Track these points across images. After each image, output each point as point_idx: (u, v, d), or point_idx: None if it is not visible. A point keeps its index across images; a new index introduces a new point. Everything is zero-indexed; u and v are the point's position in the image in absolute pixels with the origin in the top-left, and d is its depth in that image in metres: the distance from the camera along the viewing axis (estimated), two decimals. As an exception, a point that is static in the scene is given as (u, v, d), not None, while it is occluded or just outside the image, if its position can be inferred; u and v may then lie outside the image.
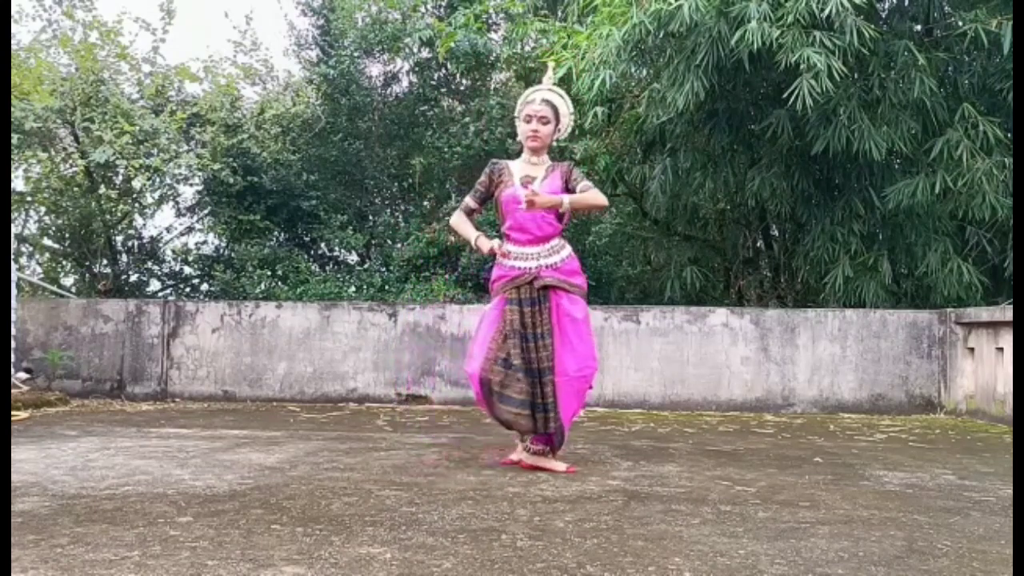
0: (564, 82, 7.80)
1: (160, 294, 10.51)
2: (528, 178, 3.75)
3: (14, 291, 6.47)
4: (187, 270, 10.78)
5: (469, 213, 3.94)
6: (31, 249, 10.66)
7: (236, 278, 8.97)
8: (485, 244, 3.77)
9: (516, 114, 3.91)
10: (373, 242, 10.10)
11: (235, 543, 2.41)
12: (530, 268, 3.71)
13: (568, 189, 3.77)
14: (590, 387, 3.83)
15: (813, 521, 2.82)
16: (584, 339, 3.72)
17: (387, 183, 10.68)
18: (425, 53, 9.89)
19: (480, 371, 3.66)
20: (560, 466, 3.72)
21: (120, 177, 9.90)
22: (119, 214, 10.28)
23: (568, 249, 3.82)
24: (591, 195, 3.74)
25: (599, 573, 2.17)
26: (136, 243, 10.53)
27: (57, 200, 10.12)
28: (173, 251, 10.80)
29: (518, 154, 3.98)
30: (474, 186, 3.93)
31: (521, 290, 3.69)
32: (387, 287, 8.69)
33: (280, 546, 2.38)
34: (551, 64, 4.65)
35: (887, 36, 7.08)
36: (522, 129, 3.81)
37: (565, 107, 3.86)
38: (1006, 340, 5.96)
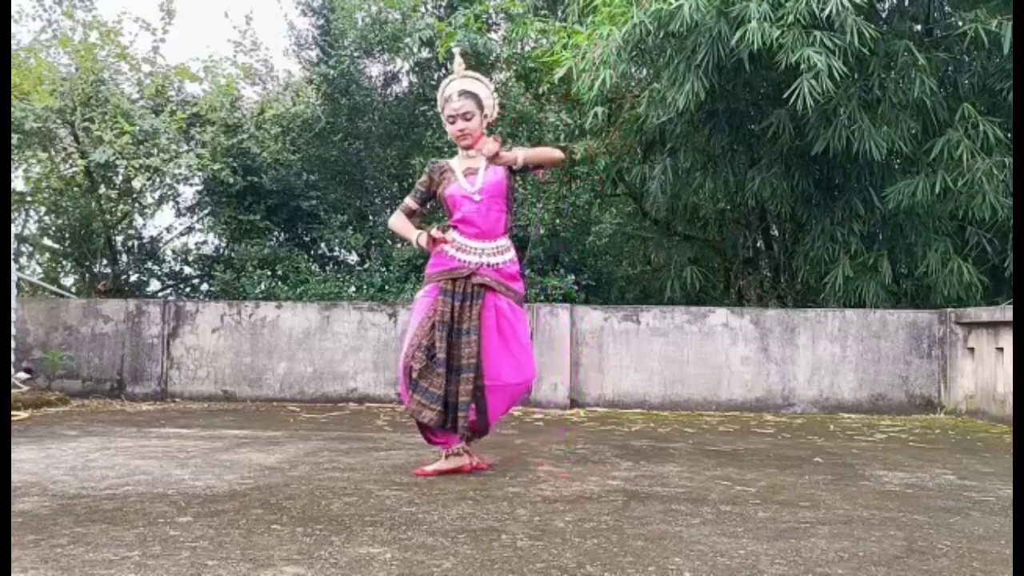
0: (564, 82, 7.82)
1: (160, 294, 10.51)
2: (470, 170, 3.67)
3: (14, 291, 6.47)
4: (187, 270, 10.78)
5: (410, 214, 3.83)
6: (31, 249, 10.67)
7: (236, 278, 8.97)
8: (425, 239, 3.64)
9: (440, 111, 3.79)
10: (373, 242, 10.10)
11: (235, 543, 2.40)
12: (470, 262, 3.59)
13: (514, 171, 3.68)
14: (528, 392, 3.79)
15: (813, 521, 2.82)
16: (524, 347, 3.64)
17: (387, 183, 10.67)
18: (425, 53, 9.89)
19: (404, 359, 3.56)
20: (472, 460, 3.67)
21: (120, 177, 9.91)
22: (119, 214, 10.28)
23: (512, 253, 3.70)
24: (543, 149, 3.72)
25: (599, 573, 2.17)
26: (136, 243, 10.54)
27: (57, 200, 10.13)
28: (173, 251, 10.80)
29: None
30: (414, 187, 3.85)
31: (456, 283, 3.57)
32: (387, 287, 8.68)
33: (280, 546, 2.38)
34: (456, 49, 4.57)
35: (887, 36, 7.08)
36: (450, 131, 3.72)
37: (485, 89, 3.74)
38: (1006, 340, 5.96)
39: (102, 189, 9.92)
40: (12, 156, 8.75)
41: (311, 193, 9.76)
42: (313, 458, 4.01)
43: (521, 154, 3.64)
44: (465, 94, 3.67)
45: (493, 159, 3.57)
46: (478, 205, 3.61)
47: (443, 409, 3.52)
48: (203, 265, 10.48)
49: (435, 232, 3.62)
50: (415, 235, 3.72)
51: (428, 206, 3.91)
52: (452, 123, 3.68)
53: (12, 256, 6.76)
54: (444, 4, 10.34)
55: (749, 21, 6.26)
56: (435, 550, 2.36)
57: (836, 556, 2.38)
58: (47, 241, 10.68)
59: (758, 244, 9.39)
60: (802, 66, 6.25)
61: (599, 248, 9.96)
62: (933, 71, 6.88)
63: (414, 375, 3.52)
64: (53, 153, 9.91)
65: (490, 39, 9.40)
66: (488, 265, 3.60)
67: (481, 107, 3.69)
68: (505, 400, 3.64)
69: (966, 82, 7.41)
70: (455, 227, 3.67)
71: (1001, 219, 6.94)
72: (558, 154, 3.80)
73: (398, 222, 3.87)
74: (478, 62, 9.22)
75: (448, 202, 3.70)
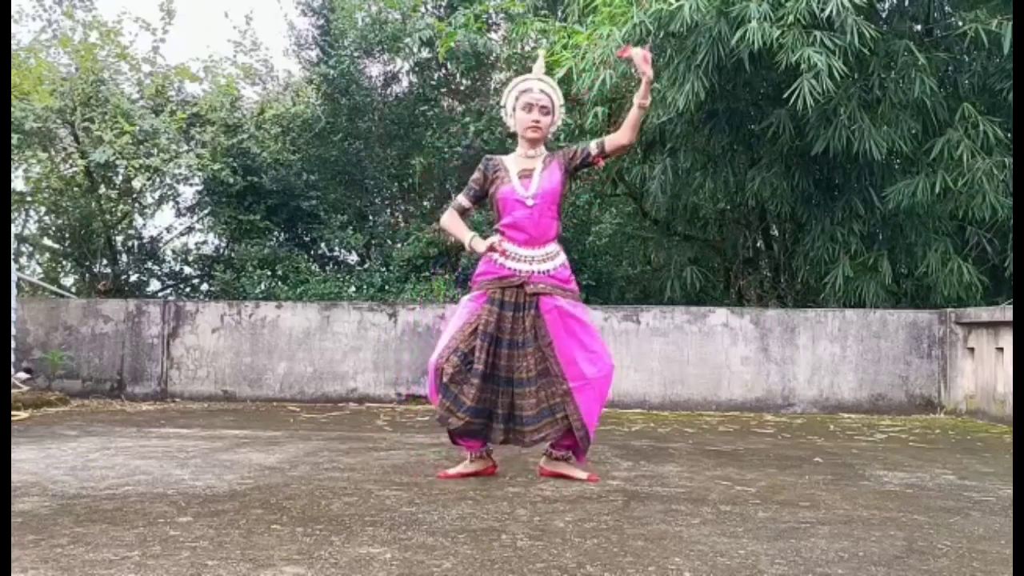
0: (564, 82, 7.80)
1: (160, 294, 10.51)
2: (525, 172, 3.54)
3: (14, 291, 6.47)
4: (187, 270, 10.79)
5: (462, 212, 3.67)
6: (31, 249, 10.67)
7: (236, 278, 8.97)
8: (481, 244, 3.51)
9: (505, 104, 3.64)
10: (373, 242, 10.10)
11: (235, 543, 2.40)
12: (521, 271, 3.46)
13: (569, 170, 3.60)
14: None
15: (813, 521, 2.82)
16: (595, 338, 3.54)
17: (387, 183, 10.68)
18: (425, 53, 9.89)
19: (437, 359, 3.46)
20: (581, 474, 3.54)
21: (120, 177, 9.92)
22: (119, 214, 10.28)
23: (563, 257, 3.56)
24: (629, 125, 3.55)
25: (599, 573, 2.17)
26: (136, 243, 10.54)
27: (57, 200, 10.13)
28: (173, 251, 10.81)
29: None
30: (467, 183, 3.68)
31: (506, 292, 3.44)
32: (387, 287, 8.69)
33: (280, 546, 2.38)
34: (542, 52, 4.53)
35: (887, 36, 7.08)
36: (521, 119, 3.54)
37: (559, 99, 3.65)
38: (1006, 340, 5.96)
39: (102, 189, 9.92)
40: (12, 156, 8.74)
41: (311, 193, 9.76)
42: (313, 458, 4.01)
43: (647, 99, 3.54)
44: (545, 93, 3.57)
45: (643, 67, 3.43)
46: (530, 211, 3.48)
47: (486, 420, 3.45)
48: (203, 265, 10.49)
49: (496, 243, 3.48)
50: (468, 237, 3.57)
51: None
52: (528, 111, 3.53)
53: (12, 256, 6.76)
54: (444, 4, 10.34)
55: (749, 21, 6.26)
56: (435, 550, 2.36)
57: (836, 556, 2.38)
58: (47, 241, 10.68)
59: (758, 244, 9.39)
60: (802, 66, 6.25)
61: (599, 248, 9.96)
62: (933, 71, 6.88)
63: (444, 378, 3.44)
64: (53, 153, 9.91)
65: (490, 39, 9.40)
66: (540, 272, 3.48)
67: (552, 112, 3.59)
68: (595, 397, 3.49)
69: (966, 82, 7.42)
70: (502, 231, 3.54)
71: (1001, 219, 6.94)
72: (633, 137, 3.64)
73: (451, 221, 3.68)
74: (478, 62, 9.23)
75: (499, 204, 3.55)
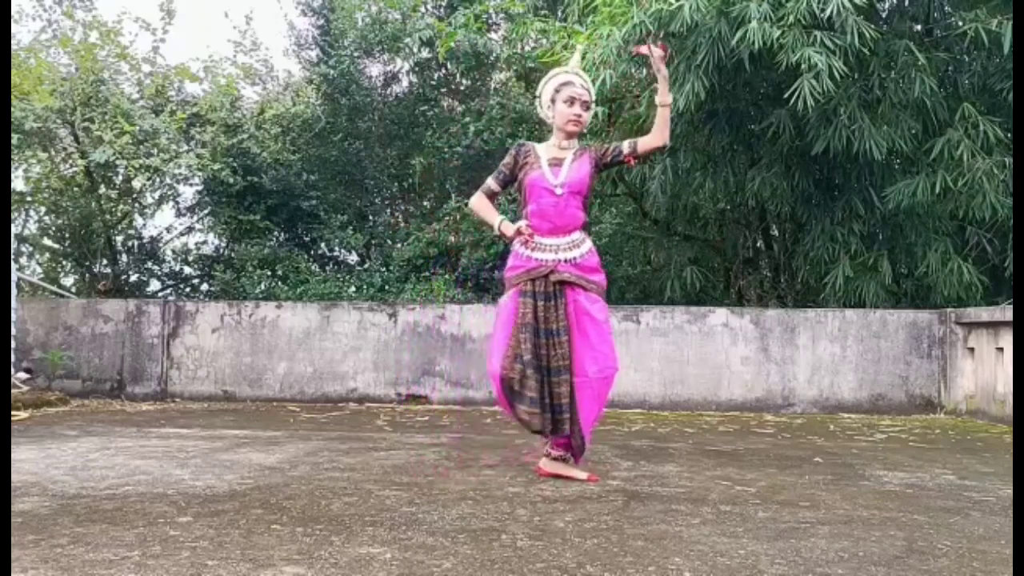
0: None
1: (160, 294, 10.52)
2: (555, 160, 3.56)
3: (14, 291, 6.47)
4: (187, 270, 10.79)
5: (491, 196, 3.69)
6: (31, 249, 10.67)
7: (236, 278, 8.97)
8: (509, 228, 3.52)
9: (540, 95, 3.66)
10: (373, 242, 10.10)
11: (235, 543, 2.40)
12: (547, 260, 3.49)
13: (600, 167, 3.63)
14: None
15: (813, 521, 2.82)
16: (605, 339, 3.53)
17: (387, 183, 10.68)
18: (425, 53, 9.89)
19: (501, 369, 3.44)
20: (581, 474, 3.55)
21: (120, 177, 9.92)
22: (119, 214, 10.29)
23: (589, 243, 3.59)
24: (659, 131, 3.53)
25: (599, 573, 2.17)
26: (136, 243, 10.55)
27: (57, 200, 10.13)
28: (173, 251, 10.81)
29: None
30: (498, 167, 3.70)
31: (536, 283, 3.48)
32: (387, 287, 8.69)
33: (280, 546, 2.38)
34: (579, 46, 4.50)
35: (887, 36, 7.08)
36: (563, 112, 3.55)
37: (593, 96, 3.67)
38: (1006, 340, 5.96)
39: (102, 189, 9.92)
40: (12, 156, 8.74)
41: (311, 193, 9.76)
42: (313, 458, 4.01)
43: (669, 95, 3.53)
44: (586, 88, 3.61)
45: (659, 64, 3.44)
46: (558, 199, 3.50)
47: (540, 411, 3.44)
48: (203, 265, 10.49)
49: (524, 226, 3.49)
50: (498, 220, 3.60)
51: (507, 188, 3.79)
52: (570, 105, 3.55)
53: (12, 256, 6.76)
54: (444, 4, 10.34)
55: (749, 21, 6.26)
56: (435, 550, 2.36)
57: (836, 556, 2.38)
58: (47, 241, 10.68)
59: (758, 244, 9.39)
60: (802, 66, 6.25)
61: (599, 248, 9.93)
62: (933, 71, 6.88)
63: (515, 387, 3.44)
64: (53, 153, 9.91)
65: (490, 39, 9.40)
66: (566, 260, 3.51)
67: (591, 107, 3.63)
68: (592, 397, 3.51)
69: (966, 82, 7.41)
70: (528, 221, 3.55)
71: (1001, 219, 6.94)
72: (665, 137, 3.59)
73: (480, 203, 3.71)
74: (478, 62, 9.23)
75: (528, 189, 3.57)
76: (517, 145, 3.73)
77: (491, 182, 3.70)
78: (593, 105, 3.66)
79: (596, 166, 3.62)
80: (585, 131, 4.08)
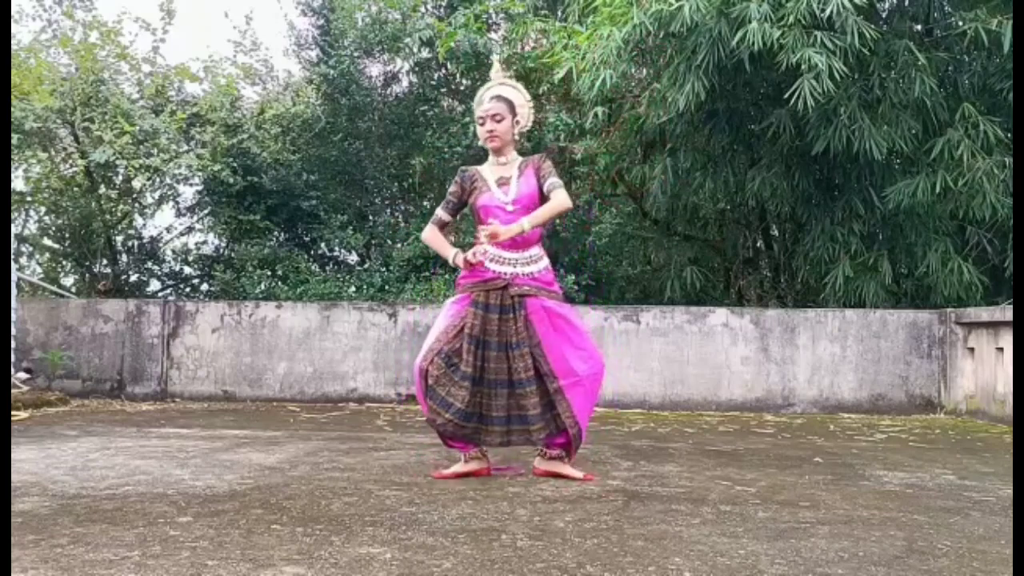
0: (565, 82, 7.81)
1: (160, 294, 10.51)
2: (503, 179, 3.60)
3: (14, 291, 6.47)
4: (187, 270, 10.79)
5: (442, 226, 3.73)
6: (31, 249, 10.67)
7: (236, 278, 8.96)
8: (462, 259, 3.56)
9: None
10: (373, 242, 10.10)
11: (235, 543, 2.40)
12: (505, 273, 3.52)
13: (540, 181, 3.63)
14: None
15: (813, 521, 2.82)
16: (585, 337, 3.59)
17: (387, 183, 10.67)
18: (425, 53, 9.88)
19: (421, 362, 3.50)
20: (576, 473, 3.56)
21: (120, 177, 9.91)
22: (119, 214, 10.28)
23: (546, 261, 3.63)
24: (551, 205, 3.53)
25: (599, 573, 2.17)
26: (136, 243, 10.54)
27: (57, 200, 10.13)
28: (173, 251, 10.80)
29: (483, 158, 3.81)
30: (445, 197, 3.73)
31: (491, 295, 3.50)
32: (387, 287, 8.68)
33: (280, 546, 2.38)
34: (496, 58, 4.56)
35: (887, 36, 7.08)
36: (479, 133, 3.68)
37: (520, 97, 3.69)
38: (1006, 340, 5.96)
39: (102, 189, 9.92)
40: (12, 156, 8.74)
41: (311, 193, 9.76)
42: (313, 458, 4.01)
43: (526, 223, 3.48)
44: (498, 98, 3.64)
45: (492, 239, 3.46)
46: (511, 215, 3.52)
47: (463, 421, 3.46)
48: (203, 265, 10.48)
49: (470, 256, 3.51)
50: (451, 253, 3.63)
51: (459, 216, 3.80)
52: (481, 124, 3.64)
53: (12, 256, 6.76)
54: (444, 4, 10.33)
55: (749, 22, 6.26)
56: (435, 550, 2.36)
57: (836, 556, 2.38)
58: (47, 241, 10.68)
59: (758, 244, 9.39)
60: (802, 66, 6.25)
61: (599, 248, 9.95)
62: (933, 71, 6.88)
63: (430, 381, 3.47)
64: (53, 153, 9.91)
65: (490, 39, 9.39)
66: (524, 274, 3.54)
67: (513, 112, 3.64)
68: (586, 396, 3.54)
69: (966, 82, 7.41)
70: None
71: (1001, 219, 6.94)
72: (566, 204, 3.57)
73: (431, 236, 3.74)
74: (478, 62, 9.23)
75: (480, 212, 3.61)
76: (461, 172, 3.76)
77: (441, 212, 3.73)
78: (517, 108, 3.64)
79: (538, 180, 3.61)
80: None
